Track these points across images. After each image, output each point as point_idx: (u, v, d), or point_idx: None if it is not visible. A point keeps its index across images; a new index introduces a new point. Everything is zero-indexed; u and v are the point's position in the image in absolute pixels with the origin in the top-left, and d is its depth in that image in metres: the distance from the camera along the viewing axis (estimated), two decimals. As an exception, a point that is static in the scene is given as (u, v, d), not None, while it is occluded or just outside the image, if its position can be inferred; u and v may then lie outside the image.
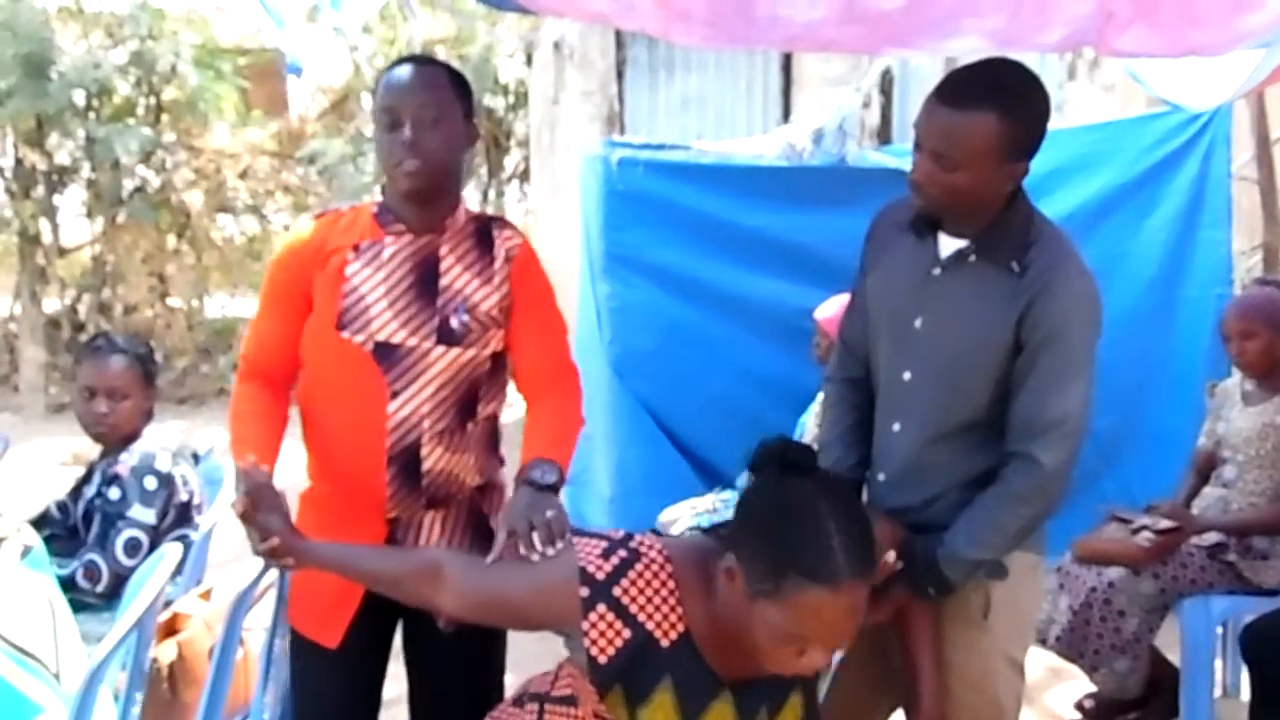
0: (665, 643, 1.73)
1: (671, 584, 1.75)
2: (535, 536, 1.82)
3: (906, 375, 2.12)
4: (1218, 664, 3.61)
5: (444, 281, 2.17)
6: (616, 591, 1.72)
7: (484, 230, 2.24)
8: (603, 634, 1.72)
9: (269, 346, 2.24)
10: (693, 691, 1.74)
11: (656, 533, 1.94)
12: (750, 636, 1.67)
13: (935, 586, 2.04)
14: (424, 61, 2.22)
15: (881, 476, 2.19)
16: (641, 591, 1.74)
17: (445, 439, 2.17)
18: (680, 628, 1.74)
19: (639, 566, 1.75)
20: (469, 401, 2.19)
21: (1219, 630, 3.54)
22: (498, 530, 1.91)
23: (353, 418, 2.16)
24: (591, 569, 1.74)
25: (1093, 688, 3.57)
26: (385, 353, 2.14)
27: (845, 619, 1.64)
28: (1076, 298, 2.00)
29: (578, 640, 1.74)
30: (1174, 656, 3.46)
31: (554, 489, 1.95)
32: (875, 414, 2.22)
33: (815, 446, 2.36)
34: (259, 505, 1.93)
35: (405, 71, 2.15)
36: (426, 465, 2.16)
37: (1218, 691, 3.58)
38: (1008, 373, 2.02)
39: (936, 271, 2.10)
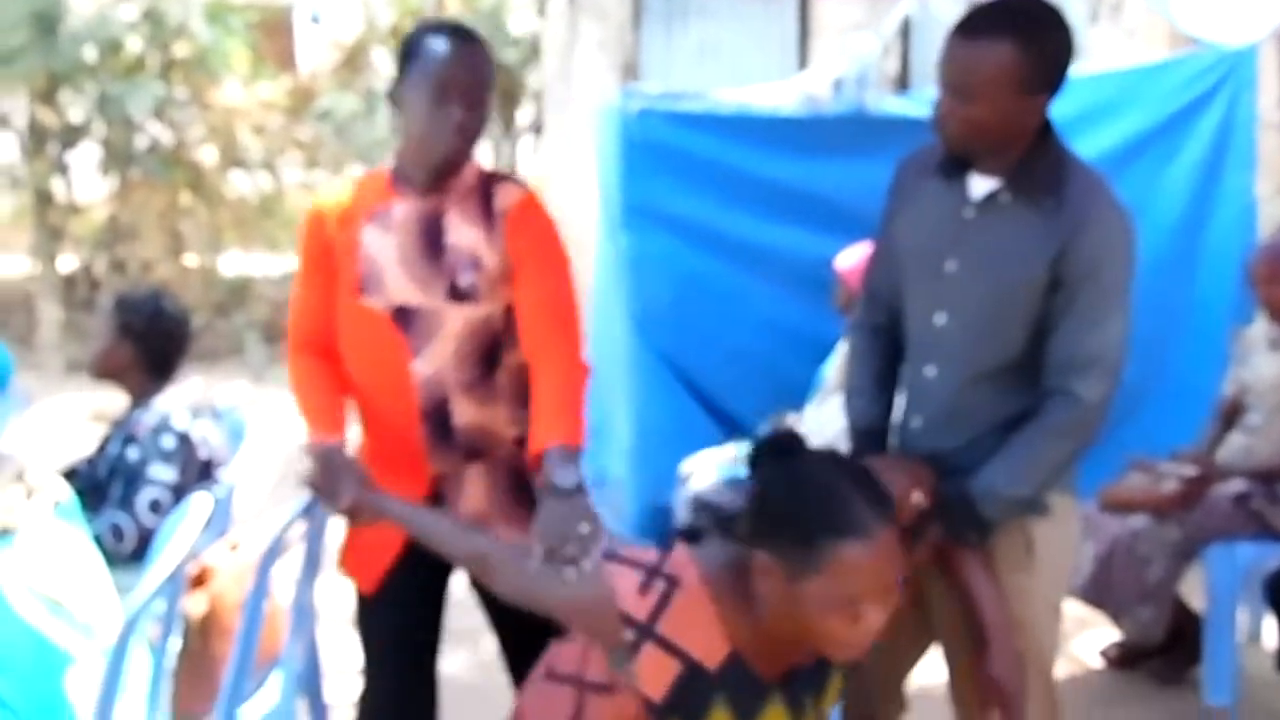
0: (713, 666, 1.73)
1: (713, 607, 1.74)
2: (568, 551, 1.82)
3: (940, 319, 2.10)
4: (1242, 611, 3.61)
5: (449, 240, 2.20)
6: (661, 629, 1.72)
7: (486, 186, 2.26)
8: (654, 673, 1.71)
9: (313, 314, 2.30)
10: (745, 703, 1.75)
11: (684, 534, 1.91)
12: (803, 625, 1.66)
13: (975, 527, 2.02)
14: (471, 38, 2.22)
15: (917, 422, 2.17)
16: (685, 622, 1.73)
17: (472, 392, 2.22)
18: (726, 648, 1.74)
19: (678, 597, 1.74)
20: (490, 354, 2.24)
21: (1243, 577, 3.54)
22: (533, 540, 1.88)
23: (382, 378, 2.25)
24: (632, 610, 1.73)
25: (1118, 636, 3.57)
26: (403, 315, 2.20)
27: (887, 566, 1.65)
28: (1113, 233, 1.99)
29: (623, 669, 1.74)
30: (1198, 603, 3.46)
31: (580, 488, 1.95)
32: (907, 359, 2.21)
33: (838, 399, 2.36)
34: (327, 472, 2.05)
35: (457, 48, 2.17)
36: (457, 420, 2.22)
37: (1242, 638, 3.58)
38: (1044, 312, 2.01)
39: (969, 213, 2.07)
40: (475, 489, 2.27)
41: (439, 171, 2.20)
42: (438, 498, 2.27)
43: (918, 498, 2.00)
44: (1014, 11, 1.98)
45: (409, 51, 2.19)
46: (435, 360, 2.20)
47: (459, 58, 2.16)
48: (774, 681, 1.77)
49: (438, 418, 2.23)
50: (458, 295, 2.19)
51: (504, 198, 2.24)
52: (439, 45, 2.16)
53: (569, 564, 1.80)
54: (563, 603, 1.81)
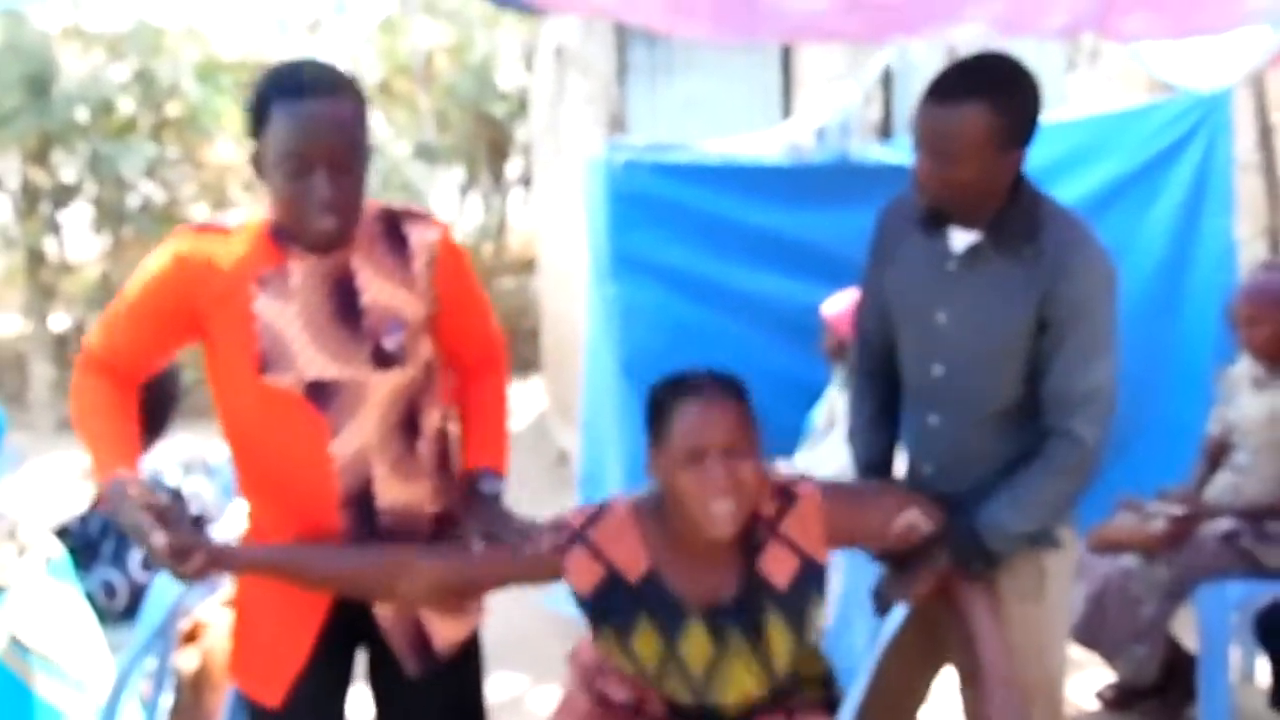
0: (633, 579, 1.97)
1: (637, 528, 2.00)
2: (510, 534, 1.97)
3: (937, 370, 2.14)
4: (1234, 649, 3.60)
5: (365, 300, 1.95)
6: (590, 534, 1.99)
7: (392, 225, 2.01)
8: (581, 572, 1.98)
9: (127, 352, 2.01)
10: (666, 622, 1.96)
11: None
12: (676, 500, 1.91)
13: (980, 559, 2.05)
14: (329, 84, 1.88)
15: (928, 469, 2.21)
16: (612, 535, 1.99)
17: (397, 468, 2.00)
18: (645, 564, 1.98)
19: (608, 516, 2.01)
20: (411, 420, 2.02)
21: (1235, 615, 3.53)
22: (469, 537, 1.97)
23: (294, 464, 1.96)
24: (570, 519, 2.01)
25: (1112, 678, 3.56)
26: (318, 391, 1.93)
27: (718, 419, 1.90)
28: (1095, 274, 2.03)
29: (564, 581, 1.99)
30: (1190, 642, 3.45)
31: (501, 498, 2.05)
32: (907, 407, 2.26)
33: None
34: (166, 523, 1.75)
35: (309, 109, 1.83)
36: (382, 502, 1.99)
37: (1235, 676, 3.57)
38: (1037, 354, 2.05)
39: (952, 266, 2.11)
40: None
41: (322, 245, 1.91)
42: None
43: (912, 515, 2.04)
44: (983, 72, 2.01)
45: (258, 115, 1.87)
46: (358, 437, 1.95)
47: (321, 119, 1.83)
48: (695, 606, 1.96)
49: (360, 503, 1.98)
50: (384, 361, 1.95)
51: (421, 235, 2.01)
52: (289, 108, 1.83)
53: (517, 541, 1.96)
54: (521, 565, 1.98)
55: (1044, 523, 2.08)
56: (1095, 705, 3.62)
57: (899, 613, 2.13)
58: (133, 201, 9.28)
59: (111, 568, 2.80)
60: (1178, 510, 3.35)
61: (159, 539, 1.73)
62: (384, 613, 2.04)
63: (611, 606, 1.97)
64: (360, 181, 1.90)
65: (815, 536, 1.99)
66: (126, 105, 9.15)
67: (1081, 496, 2.12)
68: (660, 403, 1.94)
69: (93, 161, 8.90)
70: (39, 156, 8.98)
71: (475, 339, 2.15)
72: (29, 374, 9.27)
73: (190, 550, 1.77)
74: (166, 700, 2.18)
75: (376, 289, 1.96)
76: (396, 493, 2.00)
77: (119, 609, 2.75)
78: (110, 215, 9.23)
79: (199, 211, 9.46)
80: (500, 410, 2.16)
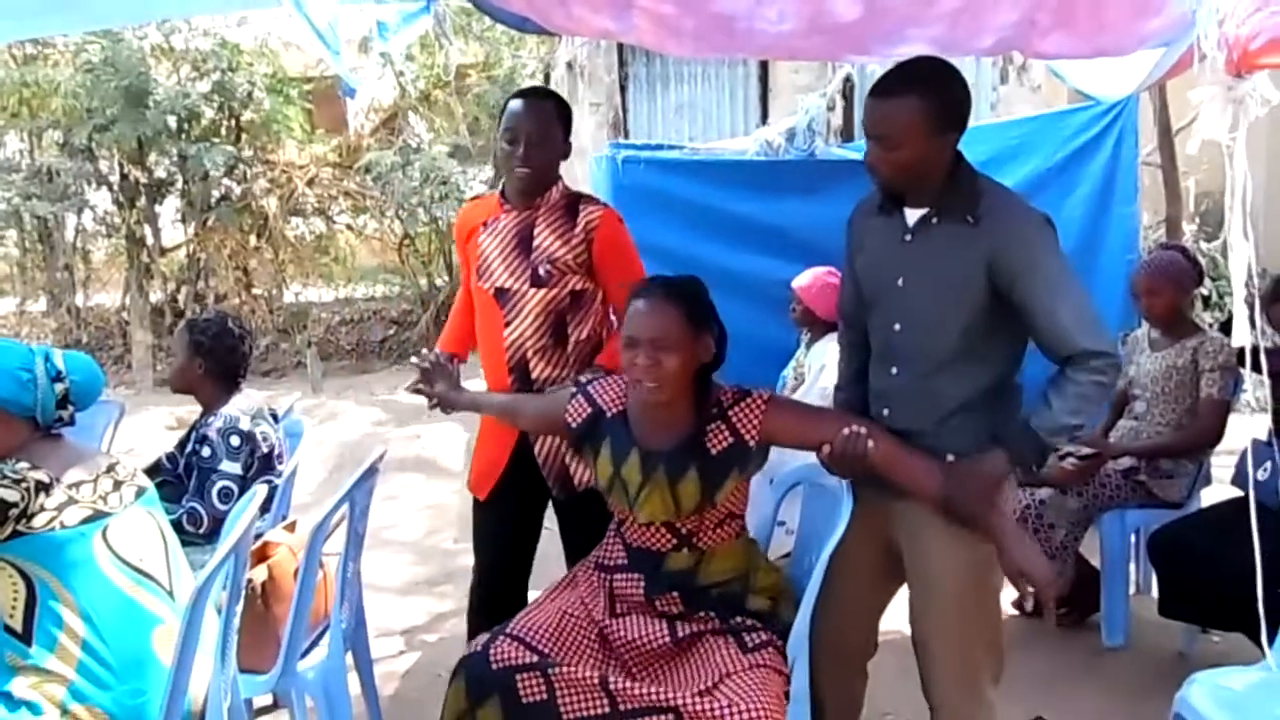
0: (610, 414, 2.25)
1: (624, 389, 2.26)
2: None
3: (897, 327, 2.14)
4: (1132, 567, 3.63)
5: (535, 242, 2.56)
6: (589, 388, 2.30)
7: (573, 205, 2.60)
8: (575, 410, 2.29)
9: (464, 282, 2.78)
10: (618, 449, 2.21)
11: None
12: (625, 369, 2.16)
13: (1036, 453, 2.02)
14: (537, 95, 2.62)
15: (886, 411, 2.18)
16: (604, 389, 2.29)
17: (545, 354, 2.57)
18: (621, 407, 2.25)
19: (609, 380, 2.31)
20: (560, 327, 2.57)
21: (1132, 538, 3.56)
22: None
23: (487, 339, 2.65)
24: (583, 380, 2.34)
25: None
26: (500, 294, 2.59)
27: (649, 318, 2.10)
28: (1034, 231, 2.00)
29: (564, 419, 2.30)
30: (1096, 561, 3.48)
31: None
32: (873, 365, 2.23)
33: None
34: (429, 379, 2.55)
35: (522, 104, 2.54)
36: (534, 374, 2.58)
37: (1132, 589, 3.60)
38: (982, 309, 2.02)
39: (908, 238, 2.11)
40: (549, 441, 2.60)
41: (525, 192, 2.56)
42: (522, 440, 2.62)
43: (856, 426, 2.03)
44: (913, 70, 2.04)
45: (501, 112, 2.58)
46: (519, 328, 2.57)
47: (523, 111, 2.52)
48: (639, 445, 2.18)
49: (520, 372, 2.59)
50: (537, 281, 2.55)
51: (588, 213, 2.58)
52: (514, 105, 2.55)
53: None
54: (552, 399, 2.39)
55: (1085, 415, 2.00)
56: (1015, 612, 3.65)
57: (838, 535, 2.11)
58: (215, 194, 9.24)
59: (195, 498, 2.82)
60: (1086, 451, 3.36)
61: (416, 381, 2.56)
62: (539, 453, 2.61)
63: (590, 432, 2.26)
64: (545, 153, 2.52)
65: (752, 426, 2.14)
66: (209, 113, 9.10)
67: (1106, 398, 2.06)
68: (628, 299, 2.16)
69: (181, 161, 8.87)
70: (136, 157, 8.93)
71: (621, 288, 2.55)
72: (130, 340, 9.28)
73: (436, 394, 2.53)
74: (240, 608, 2.20)
75: (544, 237, 2.56)
76: (545, 371, 2.58)
77: (202, 533, 2.77)
78: (196, 206, 9.19)
79: (270, 203, 9.43)
80: None
